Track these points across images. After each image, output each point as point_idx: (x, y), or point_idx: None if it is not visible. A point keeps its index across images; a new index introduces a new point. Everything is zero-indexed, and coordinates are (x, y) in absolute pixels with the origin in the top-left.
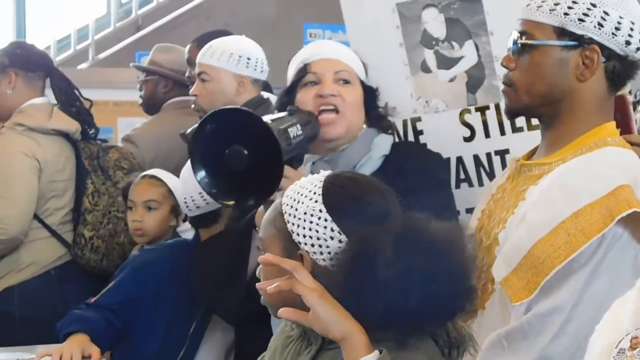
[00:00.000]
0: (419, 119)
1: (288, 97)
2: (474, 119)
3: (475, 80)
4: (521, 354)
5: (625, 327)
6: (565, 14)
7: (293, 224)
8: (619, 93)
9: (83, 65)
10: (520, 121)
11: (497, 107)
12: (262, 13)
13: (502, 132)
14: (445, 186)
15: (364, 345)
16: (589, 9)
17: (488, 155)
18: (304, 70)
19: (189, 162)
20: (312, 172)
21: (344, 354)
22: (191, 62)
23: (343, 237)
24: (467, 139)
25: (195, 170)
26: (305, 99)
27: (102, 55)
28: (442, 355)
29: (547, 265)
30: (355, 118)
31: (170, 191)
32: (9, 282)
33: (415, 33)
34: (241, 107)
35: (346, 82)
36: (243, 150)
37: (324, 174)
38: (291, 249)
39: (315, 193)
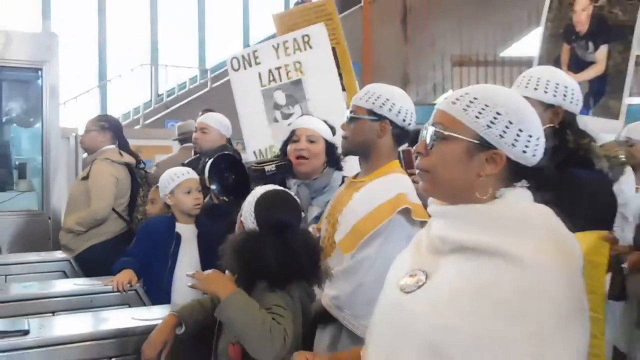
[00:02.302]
0: (272, 147)
1: (284, 147)
2: None
3: None
4: (349, 282)
5: (406, 268)
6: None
7: (243, 207)
8: (407, 148)
9: None
10: None
11: None
12: None
13: None
14: None
15: (226, 293)
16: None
17: None
18: (292, 133)
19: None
20: (297, 191)
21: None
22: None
23: (255, 224)
24: None
25: (211, 184)
26: (291, 149)
27: None
28: (311, 289)
29: (363, 233)
30: (317, 162)
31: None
32: (92, 242)
33: (270, 102)
34: (233, 154)
35: (312, 141)
36: (232, 175)
37: (271, 187)
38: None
39: (258, 193)
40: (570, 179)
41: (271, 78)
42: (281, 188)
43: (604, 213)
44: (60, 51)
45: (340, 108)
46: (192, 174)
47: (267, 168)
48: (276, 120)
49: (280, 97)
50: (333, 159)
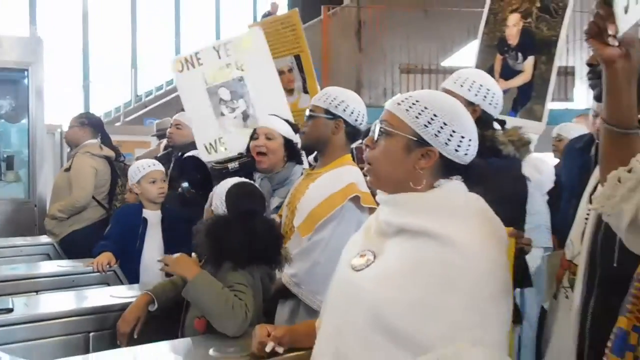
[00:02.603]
0: (221, 138)
1: (248, 144)
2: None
3: (246, 115)
4: (306, 261)
5: (357, 249)
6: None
7: (214, 196)
8: (359, 145)
9: None
10: None
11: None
12: None
13: None
14: None
15: (192, 275)
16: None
17: None
18: (254, 132)
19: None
20: (260, 184)
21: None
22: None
23: (225, 210)
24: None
25: (182, 181)
26: (252, 146)
27: None
28: (272, 272)
29: (318, 218)
30: (274, 157)
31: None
32: (74, 228)
33: (215, 98)
34: (198, 156)
35: (269, 138)
36: (198, 175)
37: (239, 179)
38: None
39: (228, 184)
40: (483, 167)
41: (215, 77)
42: (248, 180)
43: (518, 192)
44: (46, 54)
45: (280, 101)
46: (158, 166)
47: (230, 165)
48: (223, 114)
49: (224, 93)
50: (292, 154)
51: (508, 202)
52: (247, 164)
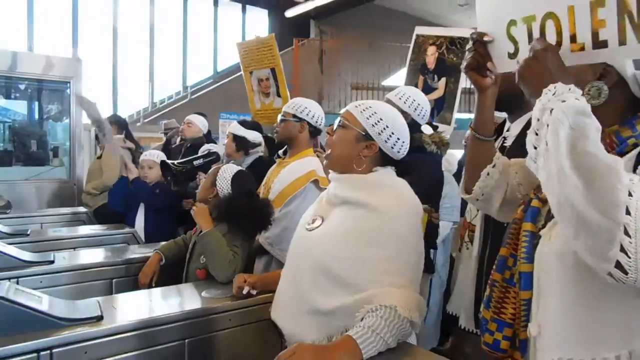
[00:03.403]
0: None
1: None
2: None
3: None
4: (277, 227)
5: (311, 215)
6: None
7: (219, 178)
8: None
9: None
10: None
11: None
12: None
13: None
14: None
15: (207, 228)
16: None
17: None
18: None
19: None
20: None
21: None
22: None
23: (229, 189)
24: None
25: (166, 175)
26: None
27: None
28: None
29: (287, 195)
30: (228, 149)
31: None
32: (104, 201)
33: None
34: (166, 161)
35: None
36: (171, 170)
37: (236, 167)
38: (213, 185)
39: (233, 170)
40: (409, 164)
41: None
42: (242, 168)
43: (436, 177)
44: (85, 70)
45: None
46: (148, 156)
47: (195, 162)
48: None
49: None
50: (242, 148)
51: (429, 184)
52: (211, 159)
